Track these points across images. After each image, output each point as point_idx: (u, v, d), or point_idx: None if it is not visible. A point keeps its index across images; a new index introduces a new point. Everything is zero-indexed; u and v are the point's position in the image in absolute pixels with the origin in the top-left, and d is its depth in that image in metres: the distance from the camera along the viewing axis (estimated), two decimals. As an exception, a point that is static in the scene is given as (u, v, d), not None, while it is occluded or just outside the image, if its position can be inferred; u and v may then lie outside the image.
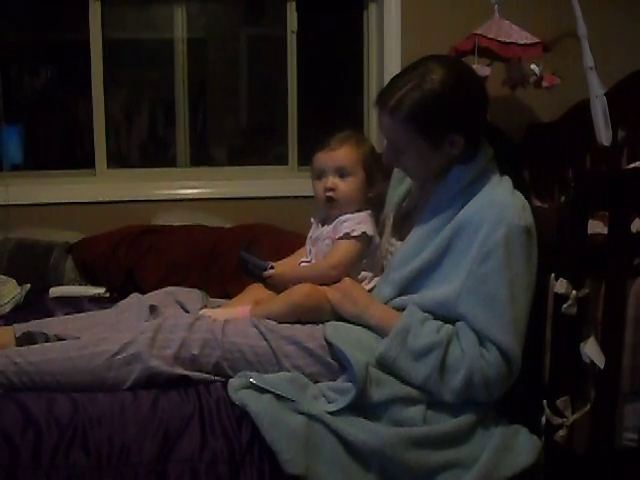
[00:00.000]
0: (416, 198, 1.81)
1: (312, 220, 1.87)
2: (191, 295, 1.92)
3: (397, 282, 1.68)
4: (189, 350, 1.59)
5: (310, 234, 1.85)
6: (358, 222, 1.74)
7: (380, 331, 1.62)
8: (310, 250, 1.84)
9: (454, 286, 1.59)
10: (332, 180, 1.76)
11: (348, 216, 1.76)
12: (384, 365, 1.58)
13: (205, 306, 1.87)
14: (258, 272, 1.79)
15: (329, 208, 1.79)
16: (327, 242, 1.77)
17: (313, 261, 1.81)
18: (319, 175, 1.79)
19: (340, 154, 1.76)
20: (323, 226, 1.82)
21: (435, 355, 1.55)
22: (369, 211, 1.80)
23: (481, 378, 1.54)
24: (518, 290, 1.57)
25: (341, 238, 1.74)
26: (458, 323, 1.60)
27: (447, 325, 1.60)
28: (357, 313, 1.67)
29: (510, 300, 1.55)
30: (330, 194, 1.76)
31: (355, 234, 1.73)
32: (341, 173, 1.76)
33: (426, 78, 1.60)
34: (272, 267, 1.78)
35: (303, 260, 1.85)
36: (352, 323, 1.67)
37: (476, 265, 1.57)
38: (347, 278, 1.72)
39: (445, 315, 1.61)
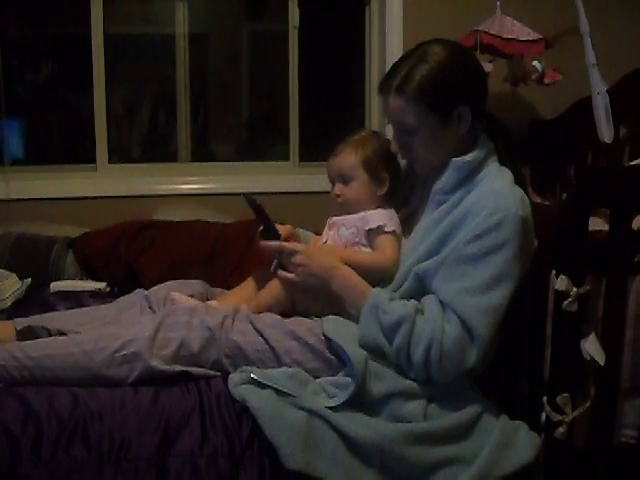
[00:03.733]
0: (419, 198, 1.80)
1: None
2: (193, 286, 1.92)
3: (398, 277, 1.68)
4: (189, 349, 1.60)
5: (330, 218, 1.84)
6: (390, 218, 1.74)
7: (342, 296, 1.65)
8: (327, 233, 1.82)
9: (434, 260, 1.60)
10: (338, 186, 1.78)
11: (373, 211, 1.76)
12: (367, 347, 1.58)
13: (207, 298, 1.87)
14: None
15: (342, 211, 1.79)
16: (353, 230, 1.75)
17: (329, 242, 1.80)
18: (330, 181, 1.81)
19: (340, 161, 1.77)
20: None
21: (404, 329, 1.55)
22: (392, 210, 1.78)
23: (439, 352, 1.53)
24: (504, 276, 1.56)
25: (373, 230, 1.73)
26: (424, 297, 1.60)
27: (412, 300, 1.61)
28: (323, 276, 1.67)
29: (490, 282, 1.54)
30: (338, 200, 1.78)
31: (388, 229, 1.72)
32: (343, 179, 1.76)
33: (429, 53, 1.63)
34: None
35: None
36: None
37: (462, 244, 1.57)
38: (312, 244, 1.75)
39: (423, 289, 1.62)
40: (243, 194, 1.76)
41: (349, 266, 1.70)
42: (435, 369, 1.55)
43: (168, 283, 1.93)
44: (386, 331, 1.57)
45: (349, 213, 1.78)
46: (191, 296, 1.82)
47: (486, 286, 1.55)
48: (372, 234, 1.73)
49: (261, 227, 1.78)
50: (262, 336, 1.61)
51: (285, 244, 1.71)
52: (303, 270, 1.67)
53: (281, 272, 1.71)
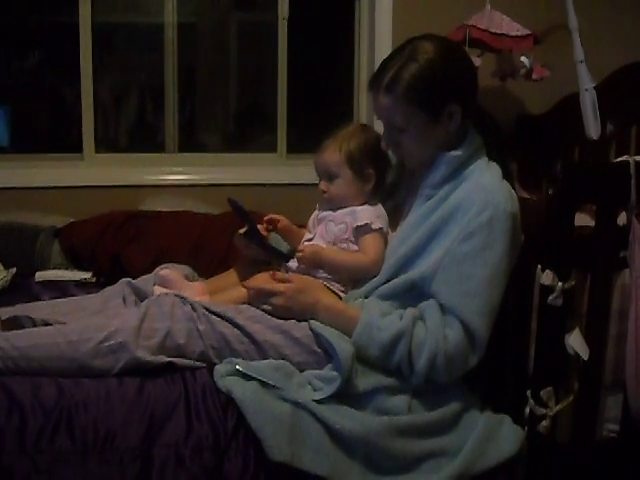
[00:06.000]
0: (405, 190, 1.80)
1: (317, 206, 1.86)
2: (181, 271, 1.91)
3: (385, 270, 1.68)
4: (174, 340, 1.59)
5: (316, 215, 1.83)
6: (377, 215, 1.74)
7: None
8: (316, 230, 1.82)
9: (430, 263, 1.60)
10: (323, 183, 1.78)
11: (361, 207, 1.75)
12: (365, 364, 1.58)
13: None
14: (277, 257, 1.80)
15: (329, 206, 1.79)
16: (342, 227, 1.75)
17: (317, 239, 1.79)
18: (317, 175, 1.80)
19: (324, 157, 1.76)
20: (331, 210, 1.80)
21: (404, 343, 1.55)
22: (380, 205, 1.77)
23: (443, 359, 1.55)
24: (499, 274, 1.57)
25: (361, 227, 1.72)
26: (424, 303, 1.60)
27: (408, 309, 1.61)
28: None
29: (489, 282, 1.56)
30: (324, 196, 1.78)
31: (375, 227, 1.72)
32: (328, 176, 1.76)
33: (419, 51, 1.61)
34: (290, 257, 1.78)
35: (306, 238, 1.83)
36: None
37: (456, 244, 1.57)
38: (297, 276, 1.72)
39: (418, 295, 1.62)
40: (228, 199, 1.78)
41: (331, 266, 1.70)
42: (440, 375, 1.57)
43: (157, 271, 1.90)
44: (385, 347, 1.56)
45: (336, 209, 1.77)
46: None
47: (485, 286, 1.55)
48: (359, 232, 1.73)
49: (244, 229, 1.78)
50: (250, 328, 1.61)
51: (263, 287, 1.67)
52: (284, 311, 1.65)
53: (264, 307, 1.66)
